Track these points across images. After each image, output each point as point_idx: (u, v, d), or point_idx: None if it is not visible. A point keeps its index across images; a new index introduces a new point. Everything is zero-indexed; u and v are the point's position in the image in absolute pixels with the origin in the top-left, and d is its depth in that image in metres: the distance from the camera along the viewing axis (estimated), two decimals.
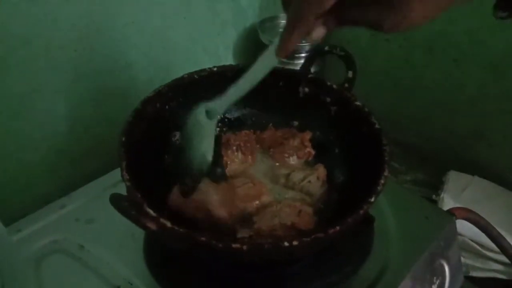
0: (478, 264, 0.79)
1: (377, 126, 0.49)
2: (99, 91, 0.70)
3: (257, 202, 0.50)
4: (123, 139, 0.46)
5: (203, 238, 0.37)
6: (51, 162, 0.68)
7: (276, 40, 0.39)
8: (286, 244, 0.36)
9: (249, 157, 0.56)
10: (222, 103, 0.44)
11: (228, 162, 0.55)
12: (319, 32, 0.37)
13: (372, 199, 0.40)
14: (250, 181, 0.52)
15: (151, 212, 0.38)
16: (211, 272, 0.50)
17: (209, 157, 0.45)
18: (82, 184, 0.63)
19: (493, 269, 0.78)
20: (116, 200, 0.36)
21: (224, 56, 0.93)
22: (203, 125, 0.45)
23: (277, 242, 0.37)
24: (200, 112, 0.45)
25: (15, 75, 0.58)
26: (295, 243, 0.37)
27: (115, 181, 0.63)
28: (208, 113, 0.45)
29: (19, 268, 0.37)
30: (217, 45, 0.90)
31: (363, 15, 0.35)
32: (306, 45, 0.88)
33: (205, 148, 0.45)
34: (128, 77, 0.73)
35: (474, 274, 0.80)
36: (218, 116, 0.46)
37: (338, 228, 0.38)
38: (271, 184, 0.54)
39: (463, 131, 0.93)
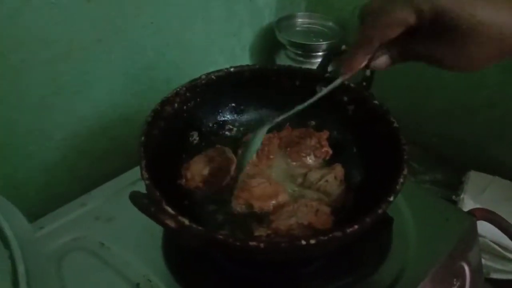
0: (498, 266, 0.77)
1: (395, 124, 0.49)
2: (117, 92, 0.71)
3: (273, 201, 0.50)
4: (143, 139, 0.47)
5: (220, 236, 0.38)
6: (71, 162, 0.69)
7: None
8: (303, 242, 0.36)
9: (264, 161, 0.56)
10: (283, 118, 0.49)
11: None
12: (381, 61, 0.41)
13: (391, 199, 0.40)
14: (266, 181, 0.52)
15: (169, 209, 0.38)
16: (228, 271, 0.51)
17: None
18: (101, 183, 0.65)
19: None
20: (135, 198, 0.37)
21: (241, 56, 0.94)
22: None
23: (294, 240, 0.37)
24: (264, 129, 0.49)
25: (36, 77, 0.59)
26: (312, 241, 0.37)
27: (133, 180, 0.64)
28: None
29: (43, 265, 0.38)
30: (234, 45, 0.91)
31: (427, 52, 0.37)
32: (323, 44, 0.87)
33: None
34: (147, 77, 0.74)
35: (494, 276, 0.78)
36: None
37: (356, 227, 0.37)
38: (288, 183, 0.54)
39: (483, 131, 0.92)
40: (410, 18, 0.34)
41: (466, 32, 0.33)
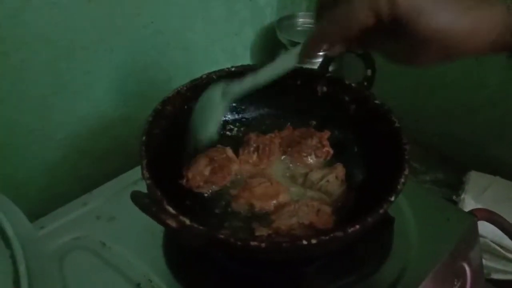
0: (499, 267, 0.77)
1: (396, 124, 0.49)
2: (118, 92, 0.71)
3: (274, 201, 0.50)
4: (144, 138, 0.47)
5: (221, 236, 0.38)
6: (72, 161, 0.70)
7: (299, 46, 0.43)
8: (304, 242, 0.36)
9: (264, 161, 0.56)
10: (237, 88, 0.48)
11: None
12: (337, 49, 0.42)
13: (393, 198, 0.40)
14: (267, 181, 0.52)
15: (170, 209, 0.38)
16: (229, 270, 0.51)
17: (212, 133, 0.50)
18: (101, 183, 0.65)
19: None
20: (137, 197, 0.37)
21: (242, 55, 0.94)
22: (215, 102, 0.49)
23: (296, 240, 0.37)
24: (216, 90, 0.49)
25: (37, 76, 0.59)
26: (313, 241, 0.37)
27: (135, 179, 0.64)
28: (223, 94, 0.49)
29: (44, 264, 0.38)
30: (235, 44, 0.91)
31: (382, 46, 0.40)
32: None
33: (211, 123, 0.50)
34: (148, 77, 0.74)
35: (495, 276, 0.78)
36: (230, 101, 0.49)
37: (357, 227, 0.37)
38: (289, 183, 0.54)
39: (484, 130, 0.92)
40: (369, 20, 0.34)
41: (421, 39, 0.34)
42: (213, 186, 0.52)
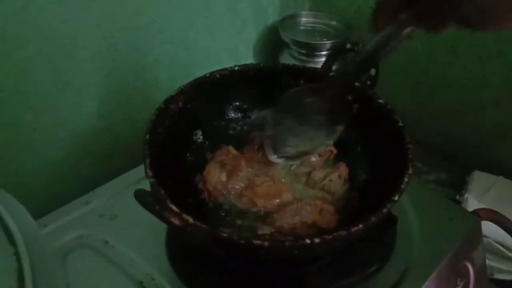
0: (503, 267, 0.77)
1: (400, 123, 0.48)
2: (121, 90, 0.71)
3: (277, 200, 0.50)
4: (147, 137, 0.46)
5: (224, 234, 0.38)
6: (75, 159, 0.70)
7: None
8: (307, 241, 0.36)
9: (268, 160, 0.55)
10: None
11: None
12: (406, 18, 0.37)
13: (396, 198, 0.40)
14: (269, 179, 0.52)
15: (174, 207, 0.38)
16: (231, 269, 0.51)
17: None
18: (104, 181, 0.65)
19: None
20: (140, 196, 0.37)
21: (245, 54, 0.94)
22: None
23: (299, 239, 0.37)
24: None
25: (41, 74, 0.59)
26: (316, 240, 0.36)
27: (137, 178, 0.64)
28: None
29: (48, 261, 0.38)
30: (238, 43, 0.91)
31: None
32: (327, 43, 0.87)
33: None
34: (150, 76, 0.74)
35: (499, 276, 0.78)
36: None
37: (361, 226, 0.37)
38: (292, 182, 0.54)
39: (487, 130, 0.91)
40: None
41: None
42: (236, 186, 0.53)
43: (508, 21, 0.31)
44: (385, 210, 0.39)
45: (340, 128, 0.52)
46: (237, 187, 0.53)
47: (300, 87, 0.52)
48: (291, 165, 0.56)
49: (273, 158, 0.53)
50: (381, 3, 0.37)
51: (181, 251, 0.52)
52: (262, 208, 0.50)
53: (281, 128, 0.53)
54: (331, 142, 0.54)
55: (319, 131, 0.52)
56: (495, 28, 0.33)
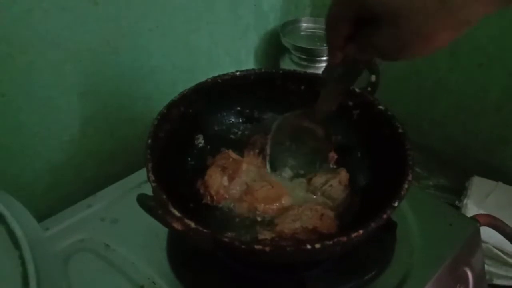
0: (501, 272, 0.77)
1: (400, 130, 0.49)
2: (124, 94, 0.72)
3: (277, 204, 0.51)
4: (149, 141, 0.47)
5: (226, 239, 0.38)
6: (78, 163, 0.70)
7: None
8: (308, 247, 0.37)
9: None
10: None
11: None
12: (351, 49, 0.40)
13: (396, 204, 0.40)
14: (268, 184, 0.53)
15: (176, 212, 0.39)
16: (232, 273, 0.51)
17: None
18: (106, 185, 0.65)
19: None
20: (143, 200, 0.37)
21: (246, 59, 0.94)
22: None
23: (300, 244, 0.37)
24: None
25: (44, 77, 0.60)
26: (317, 246, 0.37)
27: (139, 182, 0.64)
28: None
29: (53, 264, 0.38)
30: (239, 48, 0.91)
31: (375, 42, 0.36)
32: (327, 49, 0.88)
33: None
34: (152, 80, 0.75)
35: (498, 282, 0.78)
36: None
37: (361, 232, 0.38)
38: (293, 187, 0.54)
39: (487, 136, 0.92)
40: (349, 13, 0.35)
41: (393, 17, 0.32)
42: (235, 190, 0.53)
43: (418, 50, 0.34)
44: (385, 216, 0.39)
45: (332, 155, 0.56)
46: (236, 191, 0.53)
47: (298, 110, 0.54)
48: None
49: (272, 174, 0.55)
50: (329, 41, 0.41)
51: (182, 255, 0.53)
52: (262, 213, 0.50)
53: (281, 149, 0.55)
54: (319, 170, 0.55)
55: (313, 156, 0.55)
56: (407, 57, 0.35)
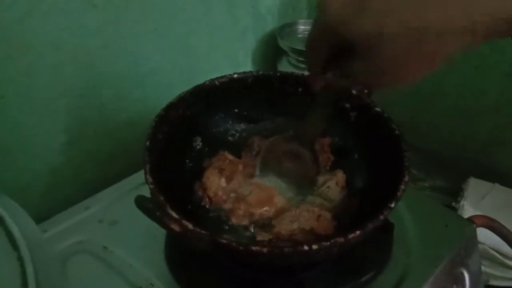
0: (498, 273, 0.78)
1: (397, 131, 0.49)
2: (123, 96, 0.72)
3: (269, 205, 0.51)
4: (147, 143, 0.47)
5: (223, 241, 0.38)
6: (76, 165, 0.70)
7: None
8: (305, 247, 0.37)
9: None
10: None
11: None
12: (330, 77, 0.41)
13: (392, 205, 0.41)
14: (255, 187, 0.53)
15: (173, 214, 0.39)
16: (230, 275, 0.51)
17: None
18: (104, 186, 0.65)
19: None
20: (141, 202, 0.38)
21: (244, 61, 0.94)
22: None
23: (297, 245, 0.38)
24: None
25: (43, 80, 0.60)
26: (314, 247, 0.37)
27: (137, 184, 0.64)
28: None
29: (51, 266, 0.39)
30: (237, 51, 0.92)
31: (356, 69, 0.35)
32: None
33: None
34: (151, 82, 0.75)
35: (494, 283, 0.79)
36: None
37: (358, 232, 0.38)
38: (281, 188, 0.54)
39: (484, 138, 0.92)
40: (327, 39, 0.36)
41: (366, 45, 0.32)
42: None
43: (395, 79, 0.34)
44: (381, 217, 0.40)
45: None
46: (232, 195, 0.53)
47: (285, 134, 0.54)
48: None
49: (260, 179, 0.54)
50: (309, 67, 0.42)
51: (180, 256, 0.53)
52: (259, 216, 0.51)
53: (271, 168, 0.55)
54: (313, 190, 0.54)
55: (302, 182, 0.54)
56: (384, 86, 0.36)
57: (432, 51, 0.31)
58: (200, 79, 0.57)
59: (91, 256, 0.54)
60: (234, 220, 0.50)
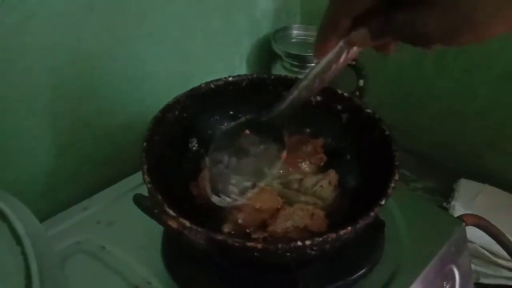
0: (489, 271, 0.79)
1: (387, 132, 0.51)
2: (119, 99, 0.73)
3: (268, 203, 0.52)
4: (144, 144, 0.48)
5: (220, 237, 0.39)
6: (74, 167, 0.71)
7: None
8: (299, 243, 0.38)
9: None
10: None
11: None
12: (359, 36, 0.34)
13: (383, 202, 0.42)
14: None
15: (171, 212, 0.40)
16: (227, 273, 0.52)
17: None
18: (102, 188, 0.66)
19: (504, 276, 0.78)
20: (139, 200, 0.39)
21: (239, 65, 0.96)
22: None
23: (291, 241, 0.39)
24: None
25: (41, 83, 0.61)
26: (307, 242, 0.38)
27: (134, 185, 0.65)
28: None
29: (55, 262, 0.40)
30: (232, 55, 0.93)
31: (408, 20, 0.30)
32: None
33: None
34: (147, 85, 0.76)
35: (485, 281, 0.80)
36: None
37: (349, 228, 0.39)
38: (284, 189, 0.56)
39: (475, 139, 0.94)
40: None
41: None
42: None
43: (456, 37, 0.30)
44: (372, 214, 0.41)
45: (283, 155, 0.50)
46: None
47: (235, 122, 0.52)
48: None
49: (216, 200, 0.48)
50: (331, 22, 0.35)
51: (176, 255, 0.54)
52: (267, 214, 0.51)
53: (220, 168, 0.50)
54: (275, 172, 0.52)
55: (260, 162, 0.50)
56: (444, 44, 0.31)
57: None
58: (196, 83, 0.58)
59: (89, 256, 0.55)
60: (240, 221, 0.50)
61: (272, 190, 0.54)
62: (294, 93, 0.44)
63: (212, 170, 0.50)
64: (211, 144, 0.51)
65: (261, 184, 0.49)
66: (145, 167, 0.46)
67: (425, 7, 0.29)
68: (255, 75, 0.61)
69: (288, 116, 0.47)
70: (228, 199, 0.48)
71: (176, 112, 0.56)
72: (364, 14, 0.33)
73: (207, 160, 0.50)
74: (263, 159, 0.50)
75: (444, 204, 0.87)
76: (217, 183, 0.49)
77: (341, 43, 0.37)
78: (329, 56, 0.38)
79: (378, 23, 0.33)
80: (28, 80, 0.59)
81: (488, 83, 0.87)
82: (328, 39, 0.36)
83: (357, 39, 0.35)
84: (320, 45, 0.37)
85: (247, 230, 0.50)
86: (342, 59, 0.38)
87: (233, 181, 0.50)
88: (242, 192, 0.49)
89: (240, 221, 0.50)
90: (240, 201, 0.49)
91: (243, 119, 0.52)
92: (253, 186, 0.49)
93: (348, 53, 0.37)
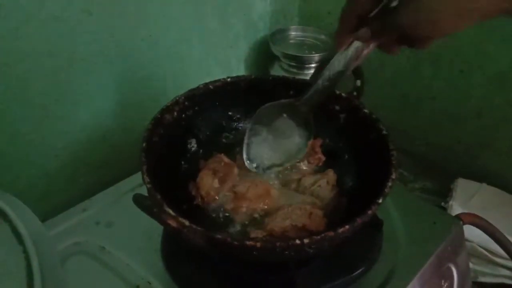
0: (486, 270, 0.79)
1: (384, 132, 0.51)
2: (117, 102, 0.73)
3: (268, 199, 0.53)
4: (144, 145, 0.48)
5: (219, 236, 0.40)
6: (71, 170, 0.71)
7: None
8: (297, 241, 0.38)
9: None
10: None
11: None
12: (362, 32, 0.43)
13: (380, 201, 0.42)
14: (250, 183, 0.54)
15: (170, 211, 0.40)
16: (225, 273, 0.52)
17: None
18: (100, 190, 0.66)
19: (502, 274, 0.79)
20: (139, 200, 0.39)
21: (236, 67, 0.96)
22: None
23: (289, 239, 0.39)
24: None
25: (38, 86, 0.61)
26: (306, 241, 0.39)
27: (132, 186, 0.66)
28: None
29: (55, 260, 0.40)
30: (230, 57, 0.93)
31: (401, 21, 0.37)
32: (315, 56, 0.91)
33: None
34: (145, 88, 0.76)
35: (483, 280, 0.80)
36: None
37: (347, 227, 0.40)
38: (282, 188, 0.56)
39: (470, 140, 0.95)
40: None
41: None
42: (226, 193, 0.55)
43: (446, 29, 0.36)
44: (370, 212, 0.41)
45: (310, 142, 0.56)
46: (228, 195, 0.54)
47: (276, 101, 0.56)
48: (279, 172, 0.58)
49: (249, 165, 0.56)
50: (343, 21, 0.43)
51: (176, 255, 0.54)
52: (261, 210, 0.52)
53: (258, 139, 0.57)
54: (300, 158, 0.57)
55: (291, 146, 0.56)
56: (436, 37, 0.37)
57: (472, 8, 0.33)
58: (194, 85, 0.58)
59: (89, 256, 0.56)
60: (237, 218, 0.52)
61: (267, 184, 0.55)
62: (319, 82, 0.51)
63: (251, 139, 0.56)
64: (254, 115, 0.56)
65: (287, 165, 0.57)
66: (145, 167, 0.46)
67: (404, 6, 0.36)
68: (253, 76, 0.61)
69: (316, 106, 0.53)
70: (255, 168, 0.56)
71: (175, 113, 0.56)
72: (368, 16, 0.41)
73: (248, 126, 0.57)
74: (294, 143, 0.56)
75: (442, 203, 0.87)
76: (251, 152, 0.57)
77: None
78: (354, 46, 0.45)
79: (376, 24, 0.41)
80: (25, 84, 0.59)
81: (481, 84, 0.88)
82: (340, 34, 0.45)
83: (361, 36, 0.44)
84: (337, 38, 0.45)
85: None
86: (364, 53, 0.45)
87: (266, 155, 0.57)
88: (269, 168, 0.56)
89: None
90: (266, 174, 0.56)
91: (285, 101, 0.55)
92: (280, 165, 0.56)
93: (369, 48, 0.45)
